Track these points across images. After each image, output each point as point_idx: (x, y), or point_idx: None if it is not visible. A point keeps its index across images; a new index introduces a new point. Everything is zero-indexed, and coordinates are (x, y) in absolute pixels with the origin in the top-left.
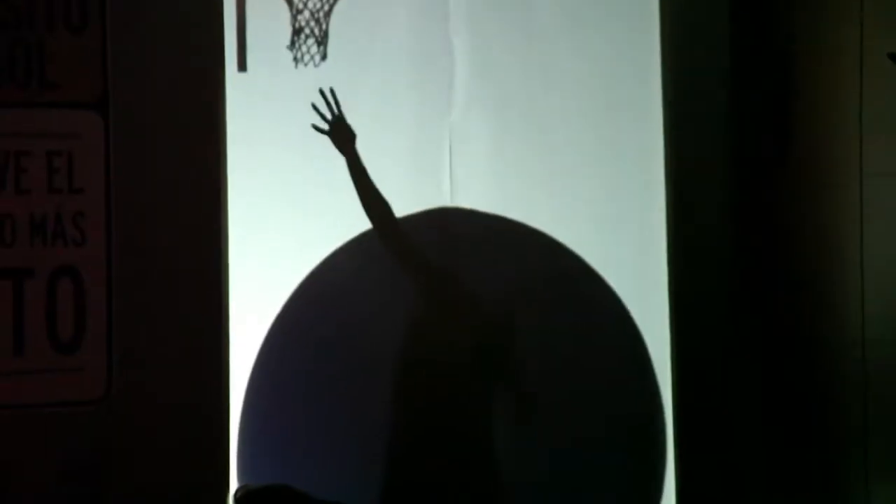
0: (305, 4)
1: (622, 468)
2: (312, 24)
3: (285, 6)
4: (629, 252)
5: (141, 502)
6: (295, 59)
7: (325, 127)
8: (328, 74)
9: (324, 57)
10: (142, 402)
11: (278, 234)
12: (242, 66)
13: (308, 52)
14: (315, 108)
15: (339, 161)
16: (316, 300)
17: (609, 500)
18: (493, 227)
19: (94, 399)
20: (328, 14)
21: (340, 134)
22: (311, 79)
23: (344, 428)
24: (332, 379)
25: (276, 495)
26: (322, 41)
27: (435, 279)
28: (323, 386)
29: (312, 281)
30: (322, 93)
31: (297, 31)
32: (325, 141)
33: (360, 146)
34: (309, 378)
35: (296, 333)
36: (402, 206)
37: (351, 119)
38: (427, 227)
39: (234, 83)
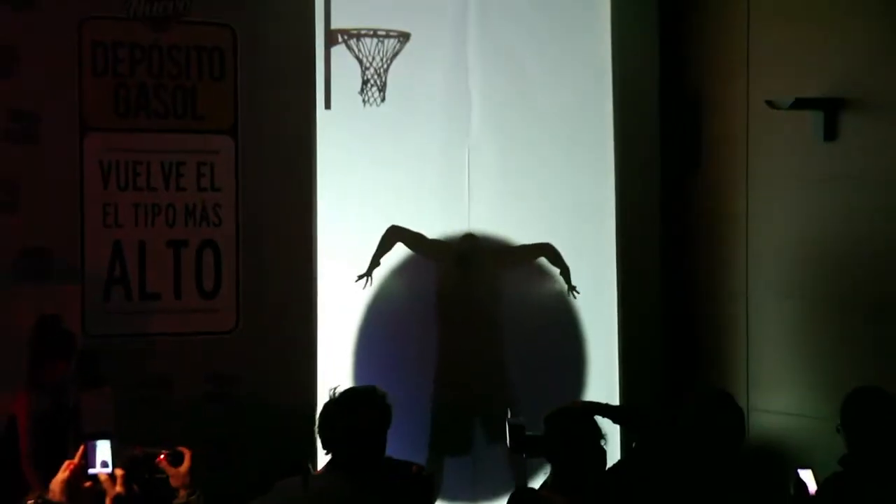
0: (371, 63)
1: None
2: (376, 77)
3: (357, 64)
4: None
5: (257, 396)
6: (363, 101)
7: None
8: (386, 112)
9: (383, 100)
10: (257, 331)
11: (352, 225)
12: (328, 104)
13: (372, 96)
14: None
15: (401, 170)
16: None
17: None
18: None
19: (227, 330)
20: (387, 70)
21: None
22: (375, 115)
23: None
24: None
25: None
26: (382, 89)
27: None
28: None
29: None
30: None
31: (365, 82)
32: (391, 159)
33: (402, 168)
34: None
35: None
36: (432, 211)
37: (397, 146)
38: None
39: (322, 116)
